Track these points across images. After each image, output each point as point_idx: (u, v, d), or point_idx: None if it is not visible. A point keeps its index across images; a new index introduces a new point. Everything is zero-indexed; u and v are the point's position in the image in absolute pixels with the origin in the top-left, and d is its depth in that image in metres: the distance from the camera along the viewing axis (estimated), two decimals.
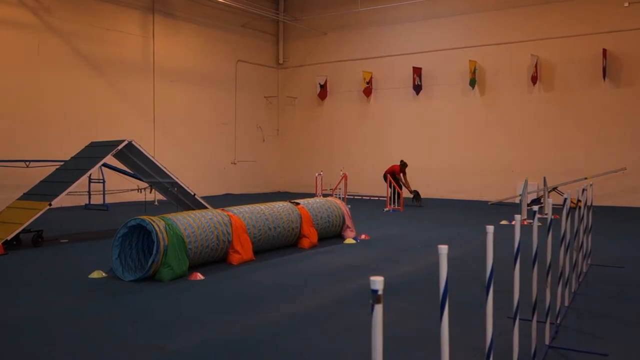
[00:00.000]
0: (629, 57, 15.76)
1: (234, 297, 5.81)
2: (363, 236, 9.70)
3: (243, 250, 7.48)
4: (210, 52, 19.46)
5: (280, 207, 8.58)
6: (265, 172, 21.74)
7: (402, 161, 15.98)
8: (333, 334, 4.58)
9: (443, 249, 2.44)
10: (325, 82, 20.99)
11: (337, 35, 20.91)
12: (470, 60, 17.74)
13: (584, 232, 6.58)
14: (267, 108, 21.96)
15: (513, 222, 3.44)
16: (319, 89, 21.03)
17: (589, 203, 6.96)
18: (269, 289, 6.14)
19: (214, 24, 19.47)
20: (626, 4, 15.57)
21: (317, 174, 15.45)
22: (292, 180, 21.83)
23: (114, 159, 10.08)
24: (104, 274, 6.62)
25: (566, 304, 5.28)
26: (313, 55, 21.49)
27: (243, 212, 7.85)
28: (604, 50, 15.75)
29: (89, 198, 14.89)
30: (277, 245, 8.34)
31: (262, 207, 8.32)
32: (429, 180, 18.70)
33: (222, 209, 7.80)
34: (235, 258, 7.38)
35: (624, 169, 14.83)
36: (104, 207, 14.43)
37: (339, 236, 9.59)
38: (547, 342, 4.26)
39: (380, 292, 1.82)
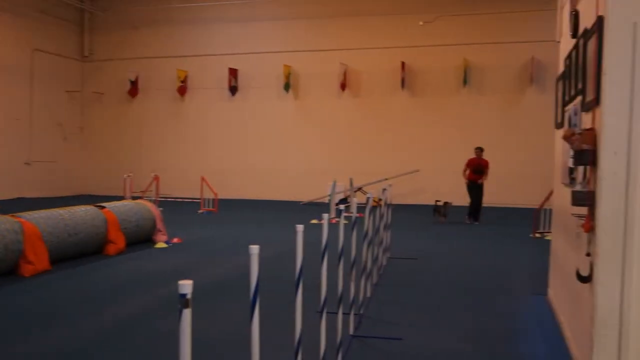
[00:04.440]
0: (423, 69, 17.62)
1: (23, 315, 5.16)
2: (175, 239, 9.39)
3: (37, 260, 6.72)
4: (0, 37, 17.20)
5: (83, 211, 7.94)
6: (67, 174, 19.82)
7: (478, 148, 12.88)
8: (143, 343, 4.33)
9: (254, 249, 2.43)
10: (137, 79, 19.89)
11: (150, 30, 19.96)
12: (284, 65, 18.27)
13: (384, 228, 7.16)
14: (70, 104, 20.09)
15: (322, 221, 3.57)
16: (129, 86, 19.86)
17: (388, 201, 7.61)
18: (69, 302, 5.59)
19: (5, 7, 17.23)
20: (421, 23, 17.39)
21: (126, 176, 14.57)
22: (98, 183, 20.22)
23: None
24: None
25: (368, 294, 5.68)
26: (123, 50, 20.21)
27: (38, 218, 7.11)
28: (403, 63, 17.41)
29: None
30: (79, 252, 7.72)
31: (62, 211, 7.65)
32: (242, 181, 18.83)
33: (13, 215, 7.01)
34: (27, 269, 6.59)
35: (417, 170, 16.54)
36: None
37: (150, 240, 9.16)
38: (351, 332, 4.52)
39: (188, 296, 1.79)
